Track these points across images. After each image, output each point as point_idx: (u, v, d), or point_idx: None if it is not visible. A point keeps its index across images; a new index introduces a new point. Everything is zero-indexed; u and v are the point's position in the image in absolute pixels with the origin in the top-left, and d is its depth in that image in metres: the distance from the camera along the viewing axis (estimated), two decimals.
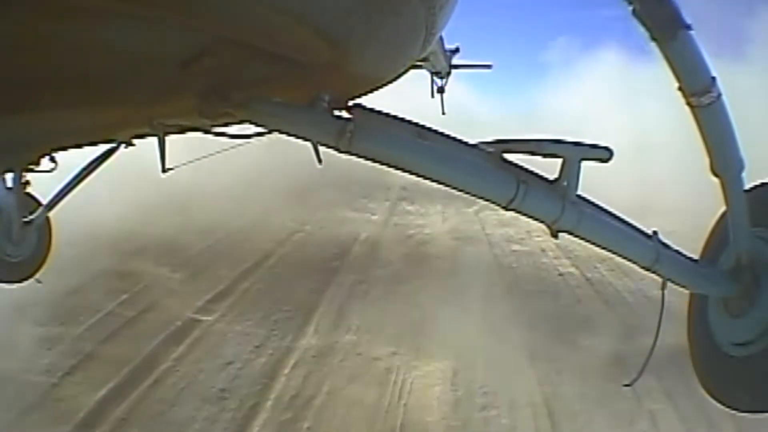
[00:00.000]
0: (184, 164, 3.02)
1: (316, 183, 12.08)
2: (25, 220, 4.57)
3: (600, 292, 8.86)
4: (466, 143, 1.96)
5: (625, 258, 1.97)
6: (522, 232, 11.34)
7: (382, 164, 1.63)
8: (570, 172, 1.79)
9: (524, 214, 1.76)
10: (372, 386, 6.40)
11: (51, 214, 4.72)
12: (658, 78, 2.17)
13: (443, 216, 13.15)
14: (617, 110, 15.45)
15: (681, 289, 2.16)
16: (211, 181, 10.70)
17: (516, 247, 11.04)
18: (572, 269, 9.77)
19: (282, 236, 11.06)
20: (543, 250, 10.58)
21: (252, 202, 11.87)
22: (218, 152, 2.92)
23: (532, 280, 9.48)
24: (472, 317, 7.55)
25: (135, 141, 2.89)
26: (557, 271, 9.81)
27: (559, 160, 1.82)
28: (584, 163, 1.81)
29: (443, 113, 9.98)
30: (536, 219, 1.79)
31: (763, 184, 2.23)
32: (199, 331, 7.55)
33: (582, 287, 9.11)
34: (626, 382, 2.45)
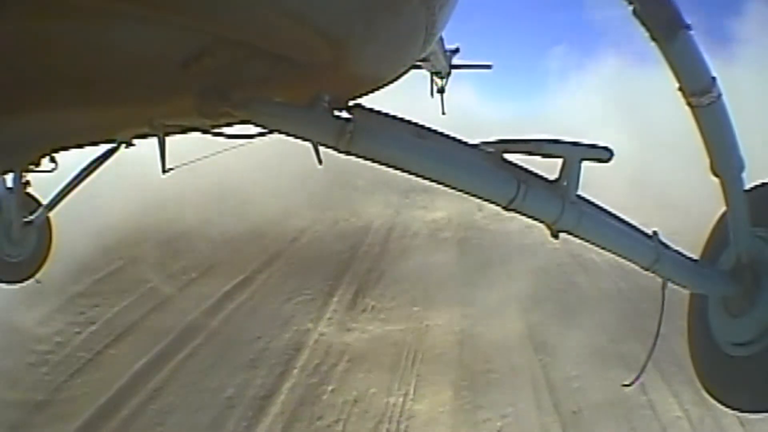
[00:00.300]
0: (184, 164, 3.02)
1: (322, 182, 12.58)
2: (25, 220, 4.57)
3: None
4: (466, 143, 1.96)
5: (625, 258, 1.96)
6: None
7: (382, 164, 1.63)
8: (570, 172, 1.79)
9: (524, 215, 1.76)
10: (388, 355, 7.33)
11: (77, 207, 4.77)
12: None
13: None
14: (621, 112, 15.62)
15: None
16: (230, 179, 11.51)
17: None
18: None
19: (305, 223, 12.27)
20: None
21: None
22: (219, 152, 2.92)
23: None
24: None
25: (135, 141, 2.89)
26: None
27: (560, 160, 1.82)
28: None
29: (443, 113, 9.98)
30: (536, 219, 1.79)
31: (763, 184, 2.22)
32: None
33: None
34: (626, 382, 2.45)
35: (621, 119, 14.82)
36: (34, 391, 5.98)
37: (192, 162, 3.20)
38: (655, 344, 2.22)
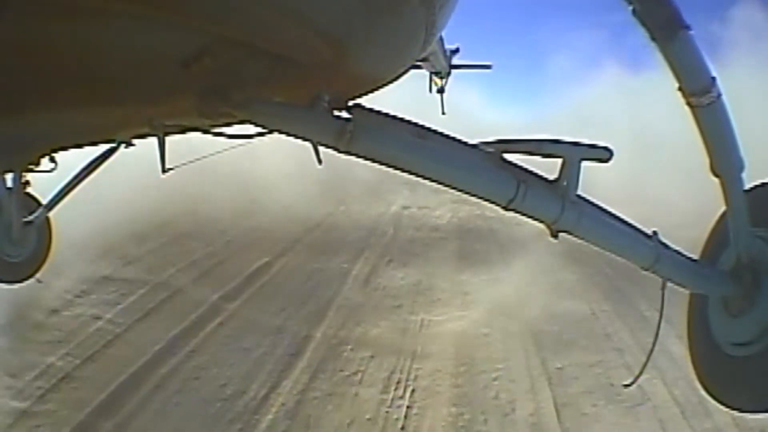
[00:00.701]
0: (184, 164, 3.02)
1: (326, 185, 14.05)
2: (25, 220, 4.57)
3: None
4: (466, 143, 1.96)
5: (625, 258, 1.96)
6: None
7: (382, 164, 1.63)
8: (570, 172, 1.79)
9: (524, 214, 1.76)
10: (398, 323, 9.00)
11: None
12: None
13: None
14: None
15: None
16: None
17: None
18: None
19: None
20: None
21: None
22: (219, 152, 2.92)
23: None
24: None
25: (135, 141, 2.89)
26: None
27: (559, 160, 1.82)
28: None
29: (443, 113, 9.98)
30: (536, 219, 1.79)
31: (763, 184, 2.22)
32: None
33: None
34: (626, 382, 2.46)
35: (620, 121, 14.90)
36: None
37: (191, 162, 3.20)
38: (654, 345, 2.22)
